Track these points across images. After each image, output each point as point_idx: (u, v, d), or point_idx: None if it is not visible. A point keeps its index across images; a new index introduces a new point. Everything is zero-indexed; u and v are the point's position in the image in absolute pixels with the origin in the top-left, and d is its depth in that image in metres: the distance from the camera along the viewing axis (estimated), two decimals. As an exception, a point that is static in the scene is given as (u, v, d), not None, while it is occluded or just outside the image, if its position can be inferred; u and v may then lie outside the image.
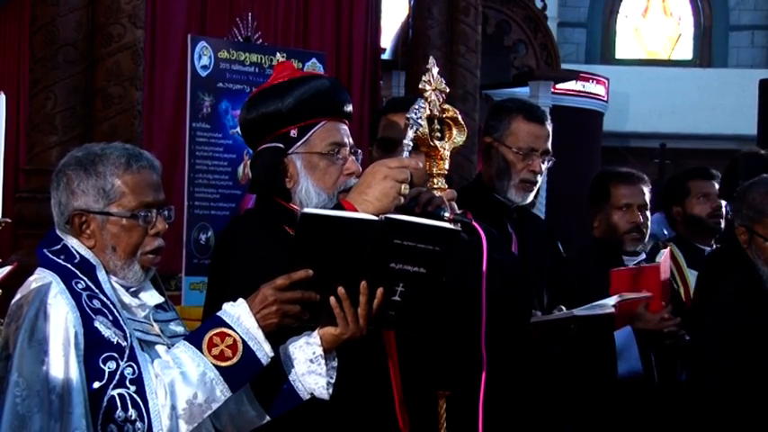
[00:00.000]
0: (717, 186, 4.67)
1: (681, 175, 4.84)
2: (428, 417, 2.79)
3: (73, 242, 2.38)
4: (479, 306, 2.58)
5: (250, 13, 7.51)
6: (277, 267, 2.30)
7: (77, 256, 2.36)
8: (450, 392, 2.83)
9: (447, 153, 2.73)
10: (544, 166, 3.65)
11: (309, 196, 2.65)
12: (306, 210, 2.28)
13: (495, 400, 2.64)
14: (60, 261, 2.34)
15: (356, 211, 2.45)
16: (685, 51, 17.04)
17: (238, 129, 6.22)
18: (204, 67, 6.13)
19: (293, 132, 2.68)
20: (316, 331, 2.39)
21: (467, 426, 2.67)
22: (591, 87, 13.27)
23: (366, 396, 2.60)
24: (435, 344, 2.74)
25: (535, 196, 3.77)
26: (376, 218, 2.30)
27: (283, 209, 2.68)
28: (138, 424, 2.21)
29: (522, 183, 3.57)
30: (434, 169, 2.74)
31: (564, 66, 12.26)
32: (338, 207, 2.51)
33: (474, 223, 2.54)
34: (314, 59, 6.63)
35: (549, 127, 3.72)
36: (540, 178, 3.63)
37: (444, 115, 2.76)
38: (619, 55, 16.90)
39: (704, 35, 16.85)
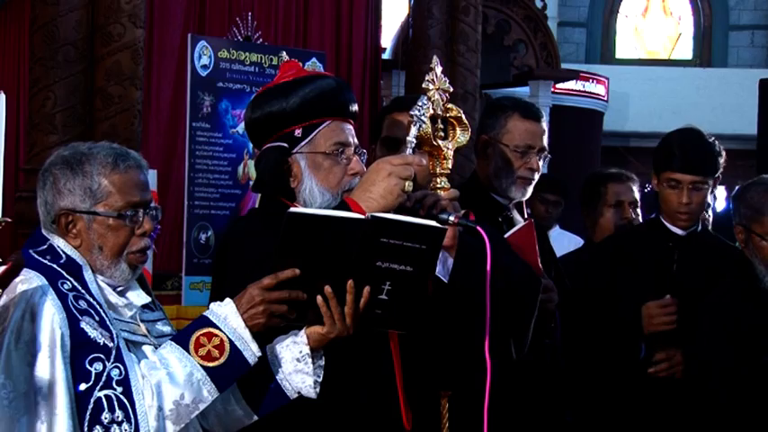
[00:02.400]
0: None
1: None
2: (431, 416, 2.79)
3: (59, 242, 2.36)
4: (483, 309, 2.56)
5: (250, 13, 7.52)
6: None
7: (63, 256, 2.34)
8: (451, 392, 2.83)
9: (450, 153, 2.72)
10: (541, 164, 3.67)
11: (314, 196, 2.64)
12: (291, 209, 2.27)
13: (499, 401, 2.63)
14: (46, 262, 2.32)
15: (361, 208, 2.45)
16: (685, 51, 17.02)
17: (238, 128, 6.26)
18: (204, 67, 6.13)
19: (298, 132, 2.67)
20: (302, 330, 2.38)
21: (469, 425, 2.67)
22: (591, 87, 13.25)
23: (371, 395, 2.60)
24: (437, 344, 2.73)
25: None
26: (362, 216, 2.30)
27: (287, 208, 2.66)
28: (125, 425, 2.20)
29: (520, 180, 3.59)
30: (438, 169, 2.73)
31: (564, 65, 12.25)
32: (342, 205, 2.51)
33: (478, 227, 2.53)
34: (314, 59, 6.63)
35: (545, 124, 3.73)
36: (537, 175, 3.66)
37: (448, 114, 2.75)
38: (619, 55, 16.88)
39: (704, 35, 16.84)
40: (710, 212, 4.71)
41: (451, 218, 2.55)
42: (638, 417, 3.60)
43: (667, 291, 3.60)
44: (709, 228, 4.62)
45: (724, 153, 3.71)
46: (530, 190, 3.66)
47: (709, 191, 3.69)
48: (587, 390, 3.73)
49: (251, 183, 6.29)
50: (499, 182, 3.58)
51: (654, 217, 3.80)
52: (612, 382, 3.66)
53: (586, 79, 13.08)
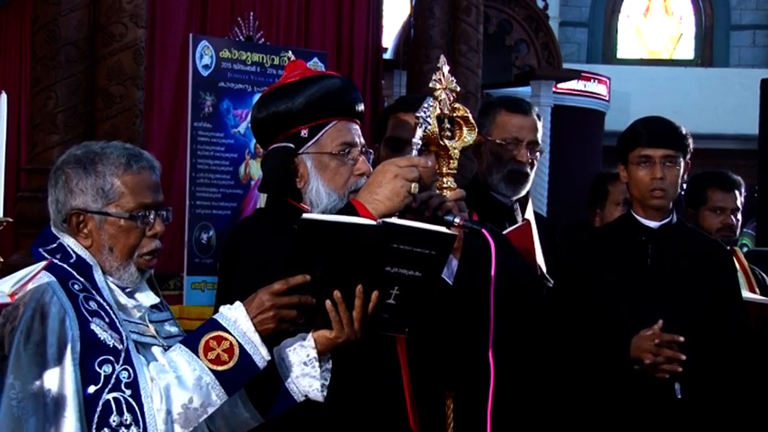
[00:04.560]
0: (737, 196, 4.62)
1: (702, 178, 4.72)
2: (436, 416, 2.79)
3: (69, 241, 2.36)
4: (487, 311, 2.56)
5: (252, 13, 7.51)
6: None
7: (74, 255, 2.34)
8: (455, 392, 2.83)
9: (457, 152, 2.73)
10: (537, 158, 3.68)
11: (320, 197, 2.64)
12: (305, 215, 2.26)
13: (503, 403, 2.63)
14: (56, 261, 2.32)
15: (367, 210, 2.45)
16: (687, 51, 17.01)
17: (240, 128, 6.26)
18: (206, 67, 6.11)
19: (304, 132, 2.67)
20: (310, 334, 2.37)
21: (474, 424, 2.67)
22: (592, 87, 13.23)
23: (378, 396, 2.59)
24: (442, 345, 2.73)
25: (528, 193, 3.79)
26: (374, 223, 2.30)
27: (294, 209, 2.66)
28: (134, 428, 2.19)
29: (510, 174, 3.62)
30: (444, 168, 2.74)
31: (565, 65, 12.24)
32: (349, 207, 2.50)
33: (483, 230, 2.53)
34: (315, 59, 6.61)
35: (537, 119, 3.75)
36: (530, 170, 3.67)
37: (455, 114, 2.75)
38: (620, 54, 16.87)
39: (705, 35, 16.83)
40: (740, 216, 4.65)
41: (457, 219, 2.55)
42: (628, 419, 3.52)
43: (643, 287, 3.50)
44: (737, 231, 4.60)
45: (690, 138, 3.60)
46: (525, 185, 3.67)
47: (681, 173, 3.56)
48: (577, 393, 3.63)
49: (252, 183, 6.29)
50: (492, 178, 3.62)
51: (625, 213, 3.72)
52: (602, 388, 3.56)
53: (588, 79, 13.06)
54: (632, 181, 3.59)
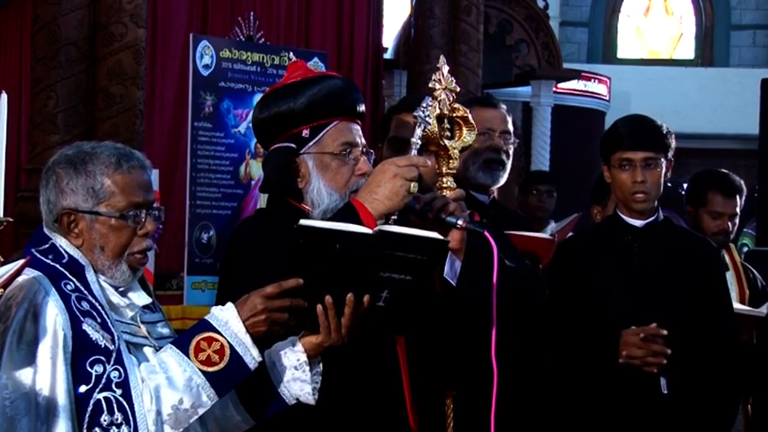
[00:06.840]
0: (738, 202, 4.58)
1: (705, 178, 4.70)
2: (436, 416, 2.79)
3: (61, 241, 2.36)
4: (490, 312, 2.57)
5: (252, 13, 7.52)
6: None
7: (66, 255, 2.33)
8: (455, 392, 2.84)
9: (457, 152, 2.74)
10: (509, 148, 3.77)
11: (321, 197, 2.64)
12: (302, 222, 2.26)
13: (504, 403, 2.63)
14: (49, 261, 2.32)
15: (366, 210, 2.45)
16: (687, 51, 17.01)
17: (240, 128, 6.26)
18: (206, 67, 6.12)
19: (305, 132, 2.67)
20: (298, 339, 2.38)
21: (474, 424, 2.67)
22: (593, 87, 13.22)
23: (377, 396, 2.60)
24: (443, 345, 2.74)
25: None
26: (369, 231, 2.30)
27: (295, 209, 2.67)
28: (124, 428, 2.19)
29: (486, 162, 3.70)
30: (444, 168, 2.74)
31: (566, 65, 12.24)
32: (348, 206, 2.51)
33: (486, 233, 2.53)
34: (316, 59, 6.62)
35: (506, 112, 3.86)
36: (506, 158, 3.72)
37: (455, 114, 2.75)
38: (621, 54, 16.87)
39: (706, 34, 16.83)
40: (737, 221, 4.63)
41: (459, 222, 2.55)
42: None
43: (630, 285, 3.50)
44: (731, 235, 4.59)
45: (673, 135, 3.60)
46: (502, 176, 3.74)
47: (663, 173, 3.55)
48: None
49: (253, 182, 6.29)
50: (469, 171, 3.70)
51: (611, 213, 3.73)
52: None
53: (588, 79, 13.05)
54: (615, 183, 3.62)
